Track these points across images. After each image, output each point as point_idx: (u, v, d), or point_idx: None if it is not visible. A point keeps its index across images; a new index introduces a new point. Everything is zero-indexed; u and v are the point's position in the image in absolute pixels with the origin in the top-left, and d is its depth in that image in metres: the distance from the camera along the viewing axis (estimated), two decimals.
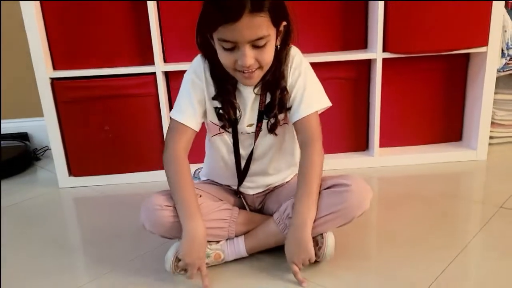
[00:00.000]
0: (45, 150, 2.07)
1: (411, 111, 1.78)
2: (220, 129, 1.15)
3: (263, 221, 1.19)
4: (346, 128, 1.78)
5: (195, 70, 1.11)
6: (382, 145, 1.76)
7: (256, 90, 1.10)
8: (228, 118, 1.11)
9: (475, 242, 1.22)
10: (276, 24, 0.98)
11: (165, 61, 1.64)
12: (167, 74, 1.66)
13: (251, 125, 1.14)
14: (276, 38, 1.01)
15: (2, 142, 2.06)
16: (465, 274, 1.09)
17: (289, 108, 1.12)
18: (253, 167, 1.20)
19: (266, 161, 1.19)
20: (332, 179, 1.11)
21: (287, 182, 1.26)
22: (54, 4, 1.57)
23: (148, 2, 1.54)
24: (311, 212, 1.06)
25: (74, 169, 1.73)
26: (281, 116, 1.14)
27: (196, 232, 1.05)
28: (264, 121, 1.13)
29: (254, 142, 1.15)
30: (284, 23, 1.01)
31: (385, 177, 1.68)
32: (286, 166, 1.24)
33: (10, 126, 2.14)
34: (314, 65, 1.58)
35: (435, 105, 1.79)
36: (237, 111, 1.11)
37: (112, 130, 1.67)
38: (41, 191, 1.72)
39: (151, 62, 1.61)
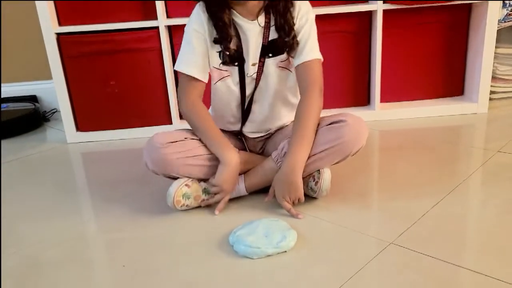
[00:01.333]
0: (54, 112, 2.12)
1: (413, 65, 1.79)
2: (224, 72, 1.18)
3: (261, 160, 1.22)
4: (348, 83, 1.80)
5: (195, 20, 1.14)
6: (383, 99, 1.78)
7: (259, 20, 1.13)
8: (230, 53, 1.13)
9: (470, 180, 1.24)
10: None
11: (167, 16, 1.67)
12: (170, 29, 1.69)
13: (255, 64, 1.17)
14: None
15: (12, 104, 2.12)
16: (457, 208, 1.12)
17: (291, 48, 1.14)
18: (255, 110, 1.23)
19: (267, 104, 1.22)
20: (330, 117, 1.14)
21: (286, 126, 1.29)
22: None
23: None
24: (304, 153, 1.10)
25: (81, 125, 1.77)
26: (283, 57, 1.17)
27: (235, 161, 1.13)
28: (267, 59, 1.16)
29: (257, 81, 1.18)
30: None
31: (386, 130, 1.70)
32: (286, 111, 1.26)
33: (20, 89, 2.19)
34: (315, 18, 1.61)
35: (436, 59, 1.79)
36: (238, 44, 1.14)
37: (117, 85, 1.71)
38: (49, 146, 1.77)
39: (154, 16, 1.63)
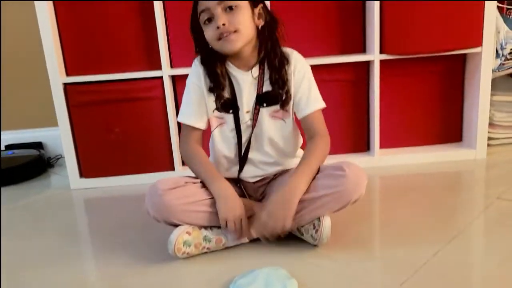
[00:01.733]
0: (58, 158, 2.15)
1: (411, 112, 1.83)
2: (220, 119, 1.24)
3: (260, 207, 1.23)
4: (347, 129, 1.83)
5: (193, 72, 1.25)
6: (383, 146, 1.81)
7: (253, 72, 1.20)
8: (224, 101, 1.22)
9: (470, 228, 1.25)
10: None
11: (171, 66, 1.73)
12: (173, 78, 1.74)
13: (248, 111, 1.23)
14: (252, 13, 1.16)
15: (17, 150, 2.15)
16: (459, 256, 1.11)
17: (284, 101, 1.21)
18: (251, 156, 1.26)
19: (263, 151, 1.26)
20: (329, 166, 1.17)
21: (287, 170, 1.31)
22: (68, 14, 1.67)
23: (155, 11, 1.63)
24: (304, 183, 1.13)
25: (85, 171, 1.80)
26: (276, 108, 1.23)
27: (226, 189, 1.16)
28: (262, 108, 1.22)
29: (252, 128, 1.22)
30: (261, 5, 1.18)
31: (386, 175, 1.71)
32: (282, 158, 1.30)
33: (26, 135, 2.23)
34: (315, 68, 1.65)
35: (434, 106, 1.83)
36: (231, 92, 1.22)
37: (121, 132, 1.75)
38: (52, 192, 1.79)
39: (158, 67, 1.69)
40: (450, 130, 1.87)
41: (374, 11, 1.64)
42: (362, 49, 1.78)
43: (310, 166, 1.15)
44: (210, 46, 1.19)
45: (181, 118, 1.26)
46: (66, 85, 1.71)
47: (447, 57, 1.73)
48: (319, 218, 1.15)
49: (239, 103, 1.22)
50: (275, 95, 1.21)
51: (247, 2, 1.15)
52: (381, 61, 1.70)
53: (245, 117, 1.23)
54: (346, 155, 1.84)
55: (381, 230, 1.32)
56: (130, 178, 1.79)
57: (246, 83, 1.21)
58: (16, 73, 2.17)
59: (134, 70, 1.71)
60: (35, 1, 1.61)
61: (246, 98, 1.22)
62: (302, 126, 1.25)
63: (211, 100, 1.23)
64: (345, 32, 1.75)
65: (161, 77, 1.70)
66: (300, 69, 1.23)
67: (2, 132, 2.22)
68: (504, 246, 1.14)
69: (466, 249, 1.16)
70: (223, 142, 1.26)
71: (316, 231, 1.15)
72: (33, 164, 2.02)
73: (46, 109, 1.94)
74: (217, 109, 1.23)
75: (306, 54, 1.69)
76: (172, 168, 1.79)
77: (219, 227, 1.20)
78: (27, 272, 1.18)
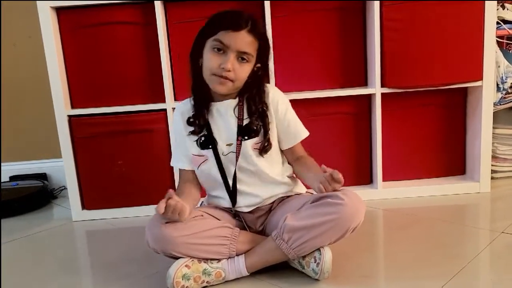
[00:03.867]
0: (62, 190, 2.16)
1: (413, 145, 1.83)
2: (201, 157, 1.27)
3: (262, 240, 1.22)
4: (350, 162, 1.83)
5: (175, 119, 1.33)
6: (385, 178, 1.80)
7: (232, 102, 1.26)
8: (203, 139, 1.26)
9: (476, 262, 1.23)
10: (257, 56, 1.22)
11: (175, 99, 1.75)
12: None
13: (230, 144, 1.25)
14: (253, 67, 1.22)
15: (21, 182, 2.17)
16: None
17: (265, 133, 1.25)
18: (241, 188, 1.27)
19: (251, 182, 1.28)
20: (326, 195, 1.16)
21: (286, 198, 1.32)
22: (74, 46, 1.72)
23: (160, 45, 1.67)
24: None
25: (88, 203, 1.80)
26: (257, 139, 1.25)
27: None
28: (244, 141, 1.24)
29: (236, 161, 1.24)
30: (259, 65, 1.24)
31: (389, 208, 1.70)
32: (272, 186, 1.30)
33: (31, 167, 2.25)
34: (317, 101, 1.70)
35: (436, 139, 1.83)
36: (207, 128, 1.26)
37: (124, 164, 1.76)
38: (55, 224, 1.79)
39: (162, 100, 1.72)
40: (453, 163, 1.87)
41: (375, 45, 1.66)
42: (364, 83, 1.80)
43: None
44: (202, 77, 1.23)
45: (172, 163, 1.34)
46: (71, 117, 1.74)
47: (448, 90, 1.74)
48: (320, 251, 1.14)
49: (217, 137, 1.26)
50: (254, 127, 1.24)
51: (255, 55, 1.21)
52: (383, 94, 1.71)
53: (225, 150, 1.25)
54: (349, 187, 1.82)
55: (384, 264, 1.30)
56: (132, 210, 1.79)
57: (225, 115, 1.26)
58: (21, 104, 2.21)
59: (138, 103, 1.73)
60: (42, 34, 1.66)
61: (226, 131, 1.25)
62: (285, 152, 1.32)
63: (191, 141, 1.28)
64: (347, 66, 1.77)
65: (165, 110, 1.72)
66: (282, 102, 1.29)
67: (7, 164, 2.23)
68: (511, 282, 1.11)
69: (472, 285, 1.13)
70: (210, 177, 1.29)
71: (317, 264, 1.14)
72: (37, 196, 2.03)
73: (51, 141, 1.96)
74: (199, 146, 1.27)
75: (308, 87, 1.74)
76: None
77: (219, 260, 1.19)
78: None
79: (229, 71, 1.16)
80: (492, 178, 1.79)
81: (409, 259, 1.27)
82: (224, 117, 1.26)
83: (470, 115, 1.81)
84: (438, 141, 1.84)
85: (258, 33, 1.20)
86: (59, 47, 1.70)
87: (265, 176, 1.27)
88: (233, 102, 1.25)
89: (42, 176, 2.23)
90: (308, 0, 1.69)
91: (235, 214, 1.31)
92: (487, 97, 1.70)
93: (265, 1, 1.65)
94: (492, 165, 1.79)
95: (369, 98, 1.78)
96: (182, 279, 1.14)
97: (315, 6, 1.70)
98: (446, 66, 1.67)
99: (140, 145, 1.75)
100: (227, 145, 1.25)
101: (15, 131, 2.22)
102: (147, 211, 1.77)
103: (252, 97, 1.24)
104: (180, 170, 1.33)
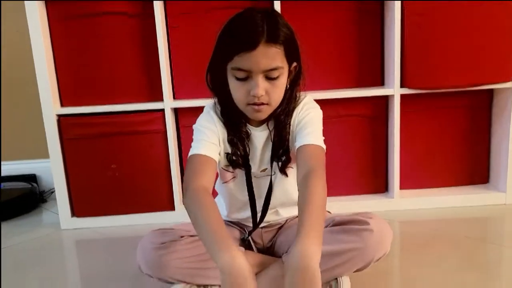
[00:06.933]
0: (52, 192, 2.01)
1: (433, 151, 1.68)
2: (231, 173, 1.11)
3: (271, 263, 1.09)
4: (364, 169, 1.68)
5: (206, 118, 1.07)
6: (402, 187, 1.66)
7: (265, 127, 1.07)
8: (241, 157, 1.07)
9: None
10: (288, 60, 0.98)
11: (174, 97, 1.60)
12: (176, 111, 1.61)
13: (264, 170, 1.10)
14: (288, 77, 1.01)
15: (8, 183, 2.02)
16: None
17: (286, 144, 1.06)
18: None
19: (278, 202, 1.13)
20: (350, 216, 1.03)
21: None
22: (64, 39, 1.56)
23: (158, 37, 1.52)
24: (319, 238, 0.82)
25: (77, 210, 1.65)
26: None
27: (233, 263, 0.79)
28: (275, 164, 1.08)
29: (270, 189, 1.09)
30: (295, 64, 1.01)
31: (406, 220, 1.56)
32: (295, 204, 1.14)
33: (19, 167, 2.10)
34: (329, 102, 1.56)
35: (458, 144, 1.68)
36: (248, 152, 1.07)
37: (118, 169, 1.61)
38: (42, 232, 1.64)
39: (160, 98, 1.57)
40: (476, 171, 1.72)
41: (394, 42, 1.51)
42: (380, 82, 1.64)
43: (318, 223, 0.85)
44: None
45: (196, 151, 1.02)
46: (60, 117, 1.59)
47: (473, 91, 1.59)
48: (336, 279, 1.01)
49: (252, 162, 1.09)
50: (286, 148, 1.07)
51: (286, 63, 0.98)
52: (402, 96, 1.56)
53: (258, 174, 1.10)
54: (362, 195, 1.69)
55: None
56: (126, 218, 1.64)
57: (260, 140, 1.08)
58: (9, 100, 2.06)
59: (133, 101, 1.59)
60: (29, 26, 1.51)
61: (260, 157, 1.09)
62: (297, 158, 1.02)
63: (223, 152, 1.08)
64: (362, 64, 1.62)
65: (163, 110, 1.57)
66: (307, 108, 1.07)
67: None
68: None
69: None
70: (232, 198, 1.14)
71: None
72: (24, 199, 1.88)
73: (41, 140, 1.80)
74: (231, 165, 1.09)
75: (320, 87, 1.59)
76: (172, 208, 1.64)
77: (219, 286, 1.05)
78: None
79: (261, 97, 0.97)
80: None
81: (429, 286, 1.13)
82: (260, 141, 1.08)
83: (496, 119, 1.66)
84: (460, 147, 1.69)
85: (279, 35, 0.94)
86: (47, 41, 1.55)
87: (291, 197, 1.12)
88: (266, 130, 1.08)
89: (32, 178, 2.08)
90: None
91: (241, 225, 1.18)
92: None
93: (274, 1, 1.50)
94: None
95: (386, 99, 1.63)
96: None
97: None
98: (473, 66, 1.52)
99: (135, 148, 1.60)
100: (261, 171, 1.10)
101: (3, 129, 2.07)
102: (142, 220, 1.63)
103: (278, 119, 1.05)
104: (197, 157, 1.01)
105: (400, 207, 1.64)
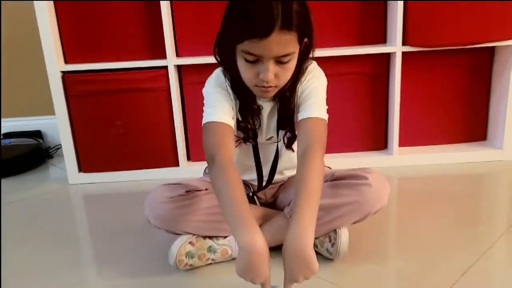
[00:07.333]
0: (58, 148, 2.05)
1: (433, 108, 1.70)
2: (238, 139, 1.11)
3: (273, 215, 1.13)
4: (364, 126, 1.71)
5: (219, 84, 1.05)
6: (401, 144, 1.69)
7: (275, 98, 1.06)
8: (250, 129, 1.08)
9: (499, 244, 1.13)
10: (300, 41, 0.93)
11: (177, 55, 1.61)
12: (179, 68, 1.62)
13: (270, 138, 1.11)
14: (299, 54, 0.97)
15: (14, 139, 2.06)
16: (487, 278, 1.01)
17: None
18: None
19: (282, 165, 1.17)
20: (349, 171, 1.06)
21: None
22: None
23: None
24: (313, 222, 0.85)
25: (84, 165, 1.70)
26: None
27: (258, 247, 0.81)
28: (281, 132, 1.10)
29: (276, 156, 1.12)
30: (306, 40, 0.96)
31: (405, 177, 1.60)
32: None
33: (25, 123, 2.13)
34: (331, 60, 1.56)
35: (458, 102, 1.70)
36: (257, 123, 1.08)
37: (123, 126, 1.64)
38: (50, 187, 1.69)
39: (163, 56, 1.57)
40: (475, 128, 1.75)
41: None
42: (383, 40, 1.64)
43: (313, 201, 0.87)
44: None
45: (207, 119, 1.02)
46: (64, 74, 1.60)
47: (474, 49, 1.59)
48: (335, 230, 1.06)
49: (261, 131, 1.10)
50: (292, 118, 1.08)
51: (298, 45, 0.93)
52: (403, 53, 1.57)
53: (264, 142, 1.12)
54: (362, 152, 1.72)
55: (400, 242, 1.21)
56: (131, 174, 1.69)
57: (266, 110, 1.08)
58: (14, 57, 2.06)
59: (137, 58, 1.59)
60: None
61: (267, 124, 1.10)
62: (298, 133, 1.05)
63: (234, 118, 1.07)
64: (364, 21, 1.61)
65: (166, 67, 1.58)
66: (312, 76, 1.05)
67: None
68: None
69: (498, 267, 1.05)
70: (244, 157, 1.15)
71: (332, 244, 1.05)
72: (31, 155, 1.92)
73: (46, 96, 1.82)
74: (243, 139, 1.10)
75: (321, 44, 1.57)
76: (177, 164, 1.68)
77: (225, 237, 1.10)
78: (19, 280, 1.10)
79: (270, 81, 0.94)
80: None
81: (429, 239, 1.18)
82: (266, 111, 1.08)
83: (496, 77, 1.67)
84: (459, 104, 1.71)
85: (294, 20, 0.87)
86: None
87: (296, 162, 1.06)
88: (272, 101, 1.07)
89: (37, 134, 2.12)
90: None
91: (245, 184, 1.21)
92: None
93: None
94: None
95: (387, 57, 1.63)
96: (186, 257, 1.05)
97: None
98: (475, 23, 1.52)
99: (140, 105, 1.63)
100: (266, 139, 1.11)
101: (8, 86, 2.08)
102: (147, 175, 1.68)
103: (283, 93, 1.03)
104: (217, 125, 1.00)
105: (399, 163, 1.68)
